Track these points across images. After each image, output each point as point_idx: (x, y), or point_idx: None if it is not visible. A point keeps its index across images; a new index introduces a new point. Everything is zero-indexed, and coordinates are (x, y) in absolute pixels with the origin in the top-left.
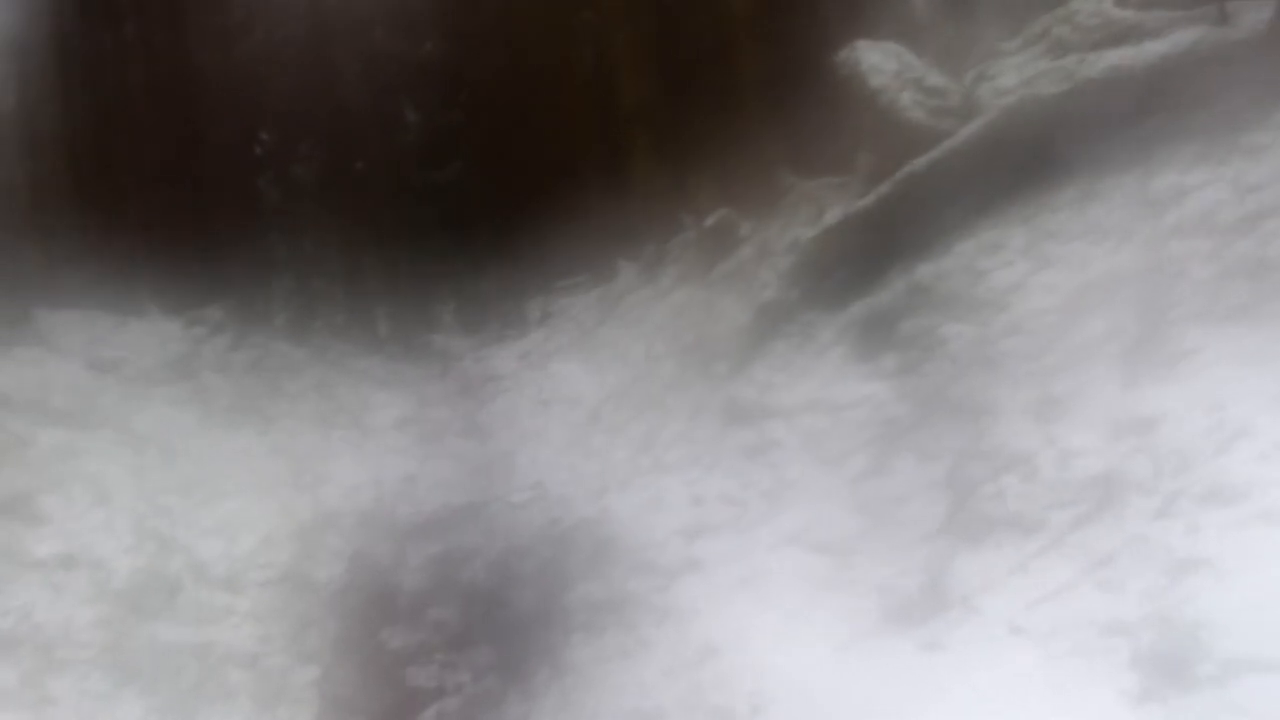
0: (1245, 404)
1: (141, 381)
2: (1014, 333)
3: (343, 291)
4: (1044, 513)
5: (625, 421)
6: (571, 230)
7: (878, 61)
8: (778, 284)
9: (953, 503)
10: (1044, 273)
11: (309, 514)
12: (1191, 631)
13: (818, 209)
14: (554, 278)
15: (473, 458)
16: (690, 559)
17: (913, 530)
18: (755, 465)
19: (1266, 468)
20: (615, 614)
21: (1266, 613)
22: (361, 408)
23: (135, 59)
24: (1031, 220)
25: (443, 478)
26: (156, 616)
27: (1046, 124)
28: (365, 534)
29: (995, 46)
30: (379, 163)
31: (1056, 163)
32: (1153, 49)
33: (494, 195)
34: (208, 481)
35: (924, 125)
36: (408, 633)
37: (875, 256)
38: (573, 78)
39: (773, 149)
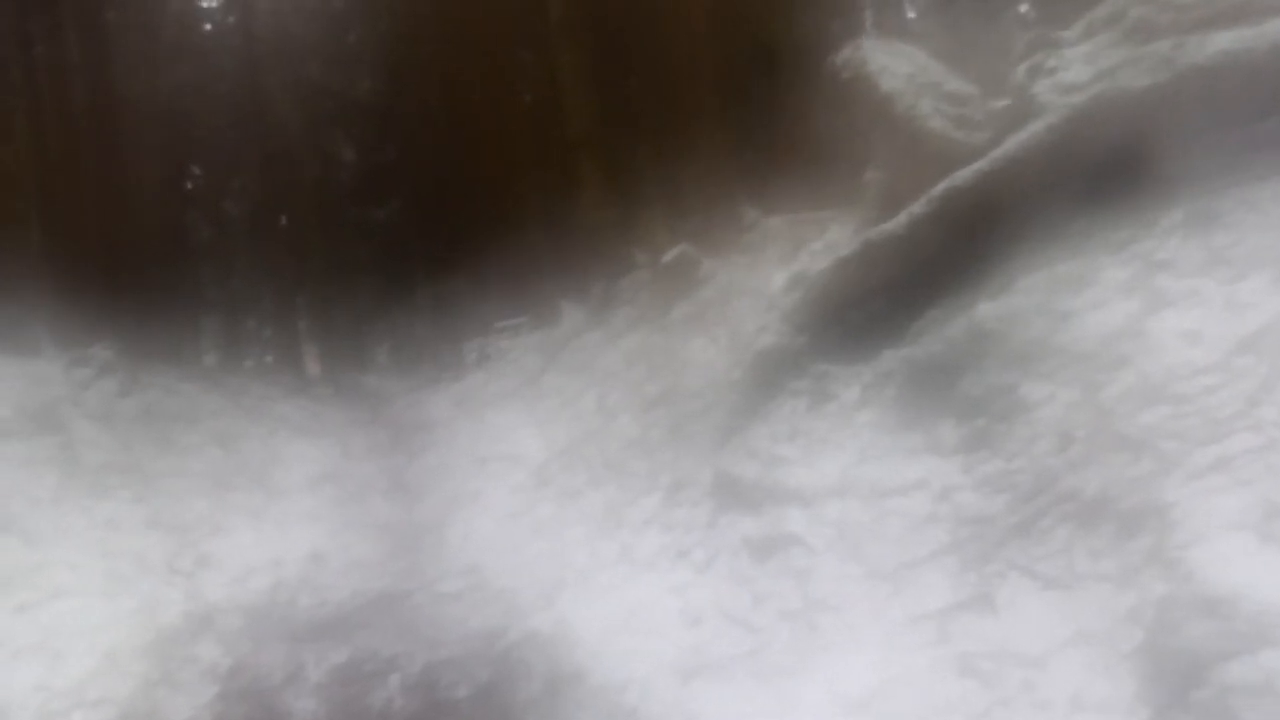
0: None
1: None
2: (1155, 400)
3: (273, 331)
4: None
5: (579, 488)
6: (511, 269)
7: (888, 63)
8: (779, 327)
9: (1162, 688)
10: (1165, 315)
11: (178, 614)
12: None
13: (791, 246)
14: (492, 319)
15: (396, 528)
16: (692, 715)
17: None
18: (770, 571)
19: None
20: None
21: None
22: (269, 463)
23: (47, 81)
24: (1127, 248)
25: (358, 555)
26: None
27: (1136, 126)
28: (251, 639)
29: (1048, 36)
30: (313, 200)
31: (1153, 175)
32: (1277, 29)
33: (430, 233)
34: (42, 571)
35: (950, 138)
36: None
37: (909, 294)
38: (513, 113)
39: (734, 181)
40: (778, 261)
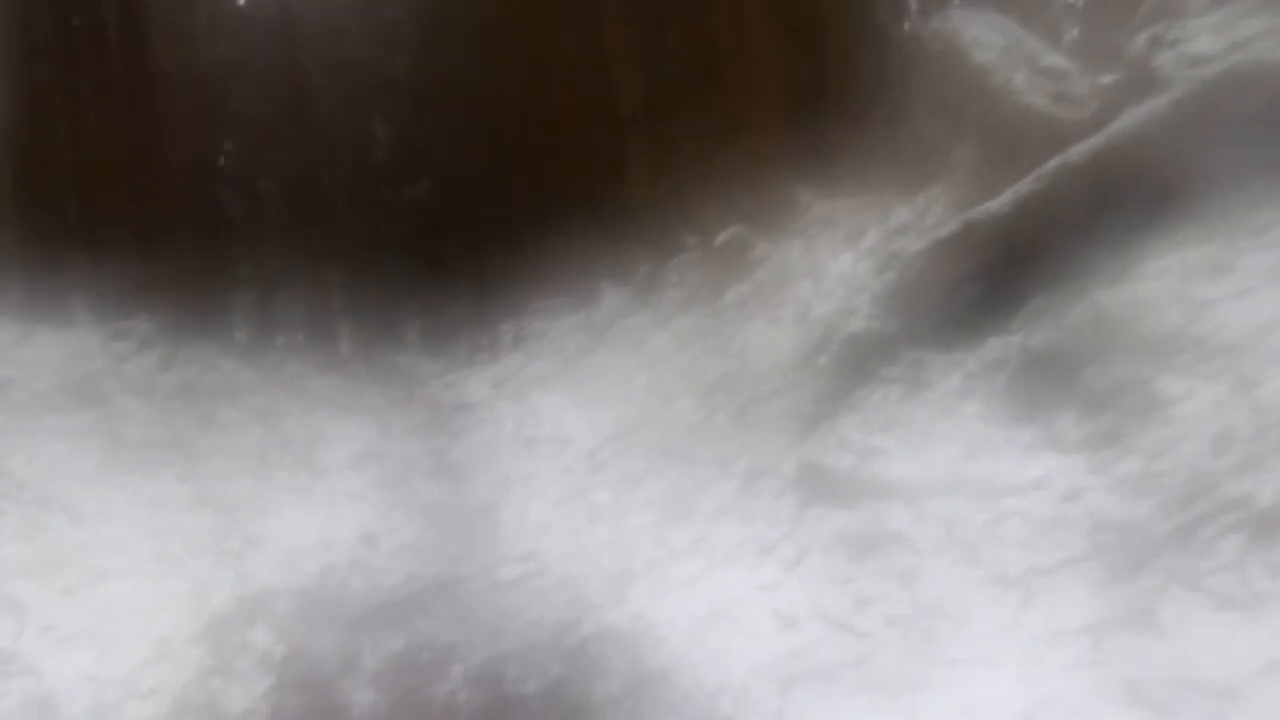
0: None
1: (31, 408)
2: None
3: (305, 308)
4: None
5: (638, 474)
6: (550, 250)
7: (980, 34)
8: (870, 310)
9: None
10: None
11: (229, 597)
12: None
13: (850, 229)
14: (529, 299)
15: (446, 510)
16: None
17: None
18: (870, 572)
19: None
20: None
21: None
22: (313, 440)
23: (84, 54)
24: (1268, 232)
25: (408, 538)
26: None
27: (1275, 100)
28: (305, 624)
29: (1168, 5)
30: (347, 177)
31: None
32: None
33: (466, 212)
34: (89, 551)
35: (1051, 114)
36: None
37: (1013, 278)
38: (554, 89)
39: (788, 162)
40: (841, 243)
